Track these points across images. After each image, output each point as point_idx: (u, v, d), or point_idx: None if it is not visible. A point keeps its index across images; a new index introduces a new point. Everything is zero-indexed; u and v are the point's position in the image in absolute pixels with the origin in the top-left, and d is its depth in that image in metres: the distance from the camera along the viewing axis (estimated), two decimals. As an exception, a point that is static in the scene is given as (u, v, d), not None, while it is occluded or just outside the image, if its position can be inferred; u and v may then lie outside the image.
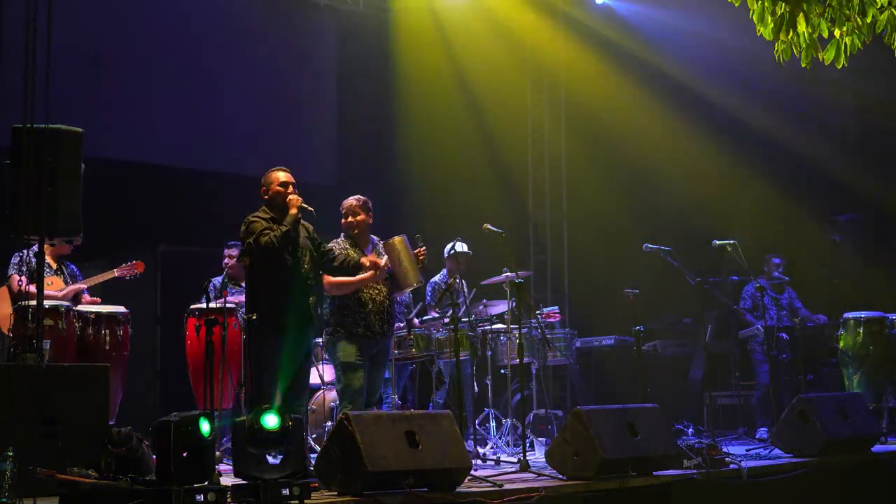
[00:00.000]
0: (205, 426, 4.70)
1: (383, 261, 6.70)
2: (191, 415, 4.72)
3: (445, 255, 8.55)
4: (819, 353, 9.58)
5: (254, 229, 6.19)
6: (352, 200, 6.98)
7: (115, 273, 7.42)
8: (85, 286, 7.38)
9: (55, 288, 7.12)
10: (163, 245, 10.03)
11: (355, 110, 11.53)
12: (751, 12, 5.30)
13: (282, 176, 6.40)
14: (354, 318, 6.72)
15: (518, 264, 7.89)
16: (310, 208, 6.30)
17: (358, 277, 6.71)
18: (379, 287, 6.82)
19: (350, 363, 6.69)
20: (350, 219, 6.94)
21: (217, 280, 7.96)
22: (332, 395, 7.65)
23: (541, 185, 12.74)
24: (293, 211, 6.23)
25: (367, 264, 6.57)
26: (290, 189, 6.36)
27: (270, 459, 4.90)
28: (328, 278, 6.69)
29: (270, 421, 4.93)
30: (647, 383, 7.93)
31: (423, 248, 6.96)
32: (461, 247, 8.41)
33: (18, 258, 7.05)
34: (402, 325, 7.79)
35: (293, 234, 6.21)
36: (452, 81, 12.07)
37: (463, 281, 8.71)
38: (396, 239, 6.90)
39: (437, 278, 8.67)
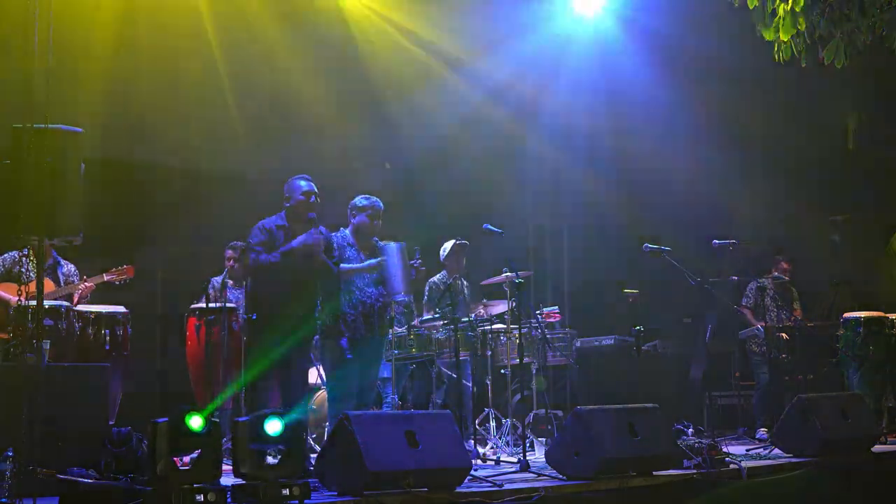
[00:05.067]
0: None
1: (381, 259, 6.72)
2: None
3: (443, 257, 8.55)
4: (819, 353, 9.58)
5: (250, 243, 6.21)
6: (380, 205, 6.95)
7: (105, 278, 7.37)
8: (73, 290, 7.29)
9: (47, 288, 7.03)
10: (163, 245, 10.03)
11: (355, 110, 11.53)
12: (751, 13, 5.31)
13: (304, 185, 6.37)
14: (344, 317, 6.70)
15: (518, 264, 7.89)
16: (322, 232, 6.30)
17: (351, 267, 6.69)
18: (368, 290, 6.81)
19: (336, 365, 6.68)
20: (376, 222, 6.91)
21: (217, 280, 7.96)
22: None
23: (541, 185, 12.74)
24: (303, 249, 6.18)
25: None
26: (312, 199, 6.34)
27: (270, 459, 4.90)
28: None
29: (273, 427, 4.92)
30: (647, 383, 7.93)
31: (421, 261, 6.95)
32: (454, 241, 8.42)
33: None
34: (401, 328, 7.78)
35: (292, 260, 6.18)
36: (452, 83, 12.06)
37: (465, 281, 8.72)
38: (393, 245, 6.87)
39: (436, 278, 8.66)
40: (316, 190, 6.38)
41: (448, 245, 8.49)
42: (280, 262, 6.12)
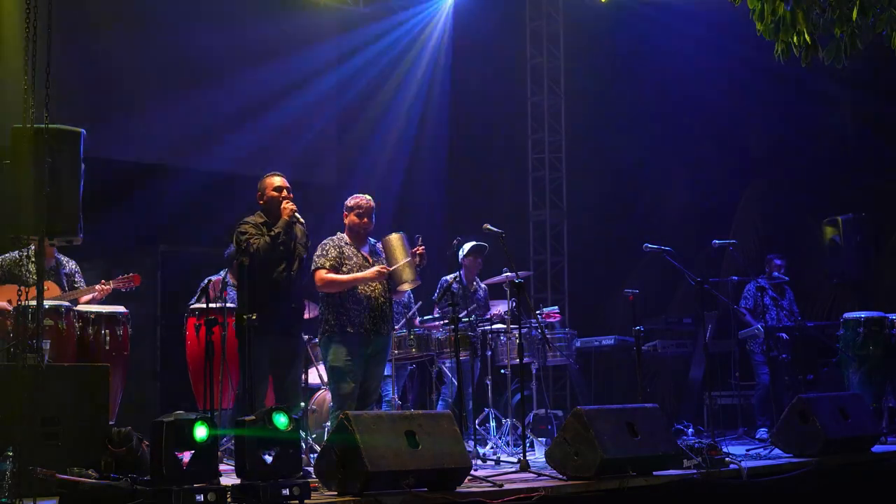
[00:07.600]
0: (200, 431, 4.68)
1: (384, 266, 6.71)
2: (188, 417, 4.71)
3: (461, 257, 8.48)
4: (819, 353, 9.57)
5: (240, 238, 6.23)
6: (370, 202, 6.89)
7: (111, 285, 7.37)
8: (84, 294, 7.28)
9: (52, 293, 7.03)
10: (163, 245, 10.04)
11: (355, 110, 11.54)
12: (751, 12, 5.30)
13: (276, 181, 6.40)
14: (348, 315, 6.66)
15: (518, 264, 7.87)
16: (301, 220, 6.29)
17: (352, 276, 6.69)
18: (374, 285, 6.77)
19: (338, 367, 6.63)
20: (364, 220, 6.86)
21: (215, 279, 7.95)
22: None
23: (541, 185, 12.75)
24: (285, 217, 6.23)
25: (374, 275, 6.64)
26: (284, 194, 6.36)
27: (270, 459, 4.90)
28: (321, 274, 6.66)
29: (281, 421, 4.93)
30: (647, 383, 7.93)
31: (423, 247, 6.90)
32: (474, 243, 8.43)
33: None
34: (400, 325, 7.77)
35: (283, 239, 6.21)
36: (451, 81, 12.07)
37: (481, 283, 8.72)
38: (394, 235, 6.84)
39: (449, 277, 8.60)
40: (287, 185, 6.40)
41: (467, 246, 8.47)
42: (270, 246, 6.16)
